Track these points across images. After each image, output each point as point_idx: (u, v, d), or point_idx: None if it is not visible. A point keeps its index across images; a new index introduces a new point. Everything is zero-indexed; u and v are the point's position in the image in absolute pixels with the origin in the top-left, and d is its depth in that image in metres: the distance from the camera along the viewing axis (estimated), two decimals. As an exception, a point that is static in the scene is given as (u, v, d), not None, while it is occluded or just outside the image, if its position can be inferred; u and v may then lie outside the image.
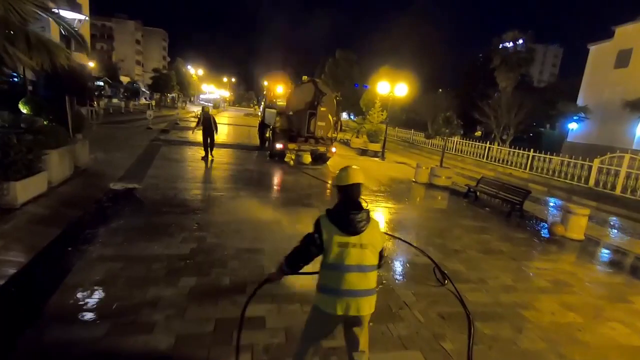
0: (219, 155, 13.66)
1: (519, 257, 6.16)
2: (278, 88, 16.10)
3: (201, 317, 3.45)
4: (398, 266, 5.24)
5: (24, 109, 10.84)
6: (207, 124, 12.15)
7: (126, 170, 9.13)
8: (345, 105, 40.04)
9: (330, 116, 13.08)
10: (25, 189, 5.50)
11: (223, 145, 17.07)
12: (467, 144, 22.06)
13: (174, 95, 54.15)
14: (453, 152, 22.42)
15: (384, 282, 4.64)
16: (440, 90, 40.78)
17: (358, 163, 15.76)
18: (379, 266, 2.42)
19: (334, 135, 13.77)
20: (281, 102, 14.47)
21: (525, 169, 16.94)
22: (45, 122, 9.13)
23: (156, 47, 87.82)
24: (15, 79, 15.04)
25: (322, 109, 12.67)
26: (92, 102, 21.97)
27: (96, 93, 33.26)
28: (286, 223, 6.55)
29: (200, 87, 70.32)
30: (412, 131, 30.96)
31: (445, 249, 6.10)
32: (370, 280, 2.31)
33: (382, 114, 21.63)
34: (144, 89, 53.28)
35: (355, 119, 34.66)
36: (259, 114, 19.91)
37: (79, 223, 5.48)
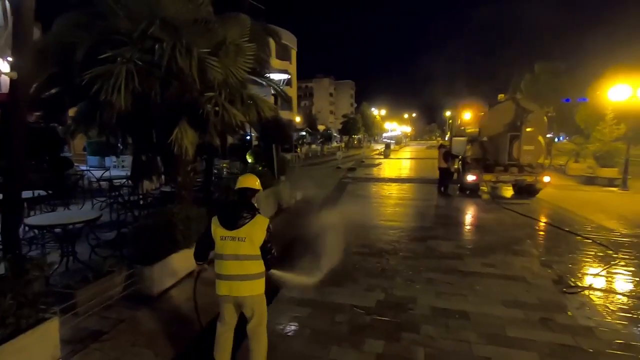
0: (403, 191, 13.10)
1: None
2: (465, 115, 14.47)
3: (391, 408, 2.64)
4: None
5: (249, 159, 13.61)
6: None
7: (318, 208, 9.71)
8: (554, 126, 32.90)
9: (540, 138, 10.45)
10: (239, 226, 6.34)
11: (407, 180, 16.54)
12: None
13: (359, 136, 58.90)
14: None
15: None
16: None
17: (584, 195, 11.92)
18: (266, 260, 2.74)
19: (546, 161, 10.91)
20: (470, 129, 12.81)
21: None
22: (260, 168, 10.91)
23: (345, 96, 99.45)
24: (247, 137, 19.48)
25: (527, 129, 10.26)
26: (295, 149, 26.48)
27: (300, 142, 39.84)
28: (491, 277, 5.07)
29: (383, 125, 74.09)
30: (673, 148, 21.90)
31: None
32: (247, 267, 2.66)
33: (617, 128, 16.13)
34: (335, 134, 60.45)
35: (571, 139, 27.71)
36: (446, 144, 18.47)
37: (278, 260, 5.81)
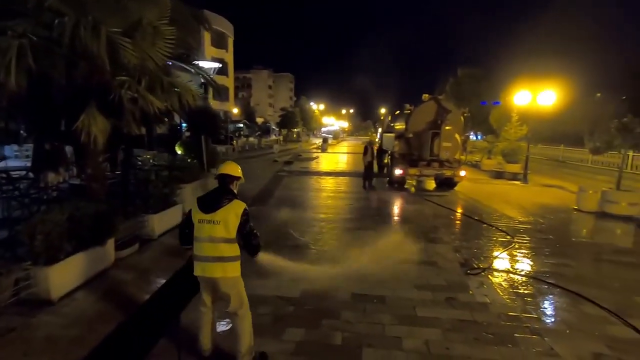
0: (337, 184, 13.46)
1: None
2: (395, 112, 15.35)
3: (305, 392, 2.72)
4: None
5: (179, 150, 12.83)
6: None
7: (251, 201, 9.55)
8: (470, 125, 36.24)
9: (457, 136, 11.47)
10: (161, 221, 5.98)
11: (341, 174, 17.03)
12: (651, 159, 16.69)
13: (298, 130, 59.06)
14: (630, 170, 17.24)
15: None
16: (599, 94, 33.03)
17: (493, 188, 13.40)
18: (248, 243, 2.90)
19: (462, 157, 12.02)
20: (399, 126, 13.60)
21: None
22: (189, 160, 10.36)
23: (285, 89, 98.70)
24: (179, 127, 18.29)
25: (446, 127, 11.21)
26: (231, 141, 25.65)
27: (236, 134, 38.65)
28: (409, 262, 5.47)
29: (321, 120, 75.12)
30: (562, 147, 25.59)
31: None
32: (221, 250, 2.77)
33: (520, 129, 18.37)
34: (274, 127, 59.77)
35: (484, 138, 30.89)
36: (377, 140, 19.38)
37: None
